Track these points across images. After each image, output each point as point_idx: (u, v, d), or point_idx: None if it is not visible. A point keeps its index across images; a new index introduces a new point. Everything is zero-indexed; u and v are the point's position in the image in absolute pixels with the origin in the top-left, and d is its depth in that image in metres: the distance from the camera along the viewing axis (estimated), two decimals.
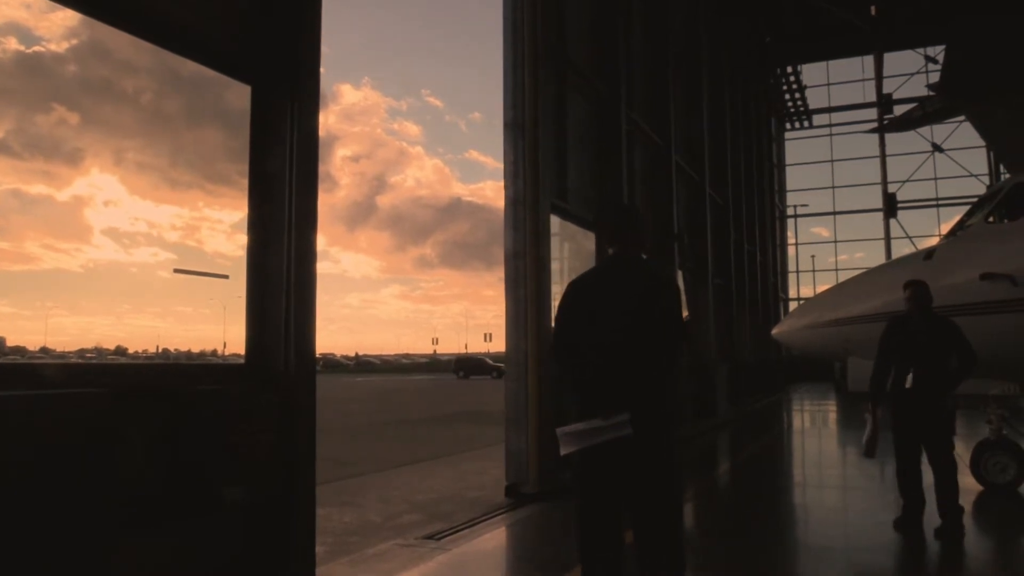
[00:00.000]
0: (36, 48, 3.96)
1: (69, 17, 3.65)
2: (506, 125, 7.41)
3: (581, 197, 9.24)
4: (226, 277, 4.23)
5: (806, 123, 37.05)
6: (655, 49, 13.04)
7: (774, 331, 10.02)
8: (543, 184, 7.33)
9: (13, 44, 3.82)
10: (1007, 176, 14.01)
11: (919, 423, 5.42)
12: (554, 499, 6.58)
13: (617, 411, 2.99)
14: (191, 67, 4.00)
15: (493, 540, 5.49)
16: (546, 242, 7.35)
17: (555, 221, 9.10)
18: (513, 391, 7.10)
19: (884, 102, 27.18)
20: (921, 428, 5.42)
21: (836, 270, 37.05)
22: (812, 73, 34.49)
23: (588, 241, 9.69)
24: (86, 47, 3.96)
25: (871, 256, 36.90)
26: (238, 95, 4.30)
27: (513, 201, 7.26)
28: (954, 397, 5.52)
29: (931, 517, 5.41)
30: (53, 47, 4.02)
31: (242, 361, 4.26)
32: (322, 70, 4.54)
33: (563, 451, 3.10)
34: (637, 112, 11.53)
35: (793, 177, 38.40)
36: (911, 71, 30.86)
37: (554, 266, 9.31)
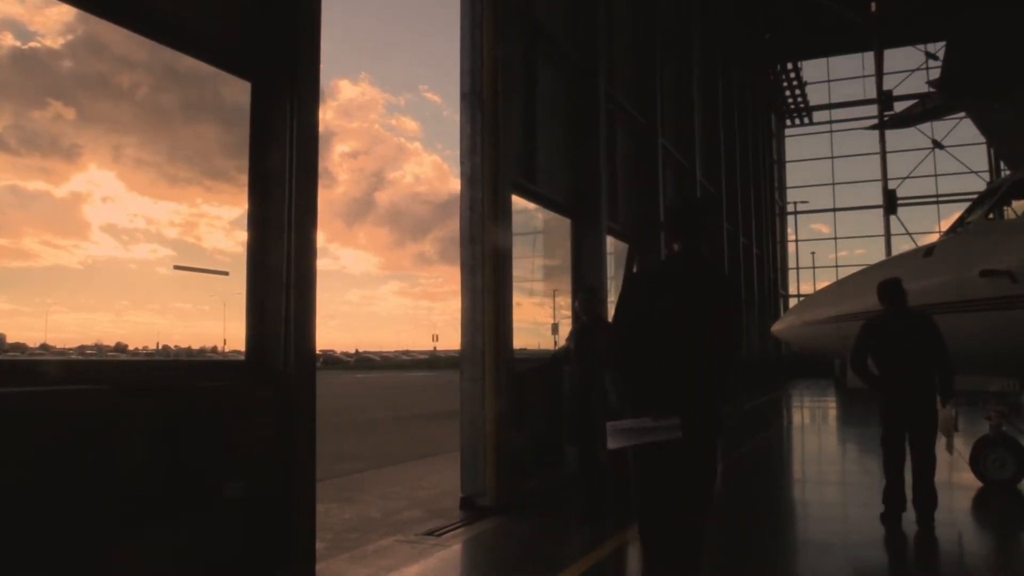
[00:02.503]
0: (32, 44, 3.95)
1: (64, 12, 3.64)
2: (463, 95, 6.59)
3: (553, 178, 8.54)
4: (226, 274, 4.23)
5: (806, 120, 37.04)
6: (642, 29, 12.36)
7: (774, 328, 10.01)
8: (504, 161, 6.59)
9: (9, 40, 3.81)
10: (1007, 173, 14.00)
11: (910, 419, 5.52)
12: (514, 513, 6.04)
13: (668, 413, 2.96)
14: (188, 62, 3.99)
15: (493, 536, 5.49)
16: (506, 225, 6.63)
17: (544, 216, 8.79)
18: (469, 392, 6.39)
19: (884, 99, 27.12)
20: (912, 424, 5.53)
21: (836, 267, 37.14)
22: (812, 70, 34.49)
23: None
24: (82, 43, 3.95)
25: (871, 253, 36.96)
26: (235, 90, 4.29)
27: (470, 179, 6.50)
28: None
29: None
30: (48, 43, 4.01)
31: (242, 358, 4.26)
32: (320, 66, 4.53)
33: (611, 445, 3.10)
34: (620, 91, 10.90)
35: (793, 174, 38.44)
36: (911, 68, 30.83)
37: (539, 261, 9.20)
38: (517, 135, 7.54)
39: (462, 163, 6.57)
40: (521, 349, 8.56)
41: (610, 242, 10.49)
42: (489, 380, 6.27)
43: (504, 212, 6.61)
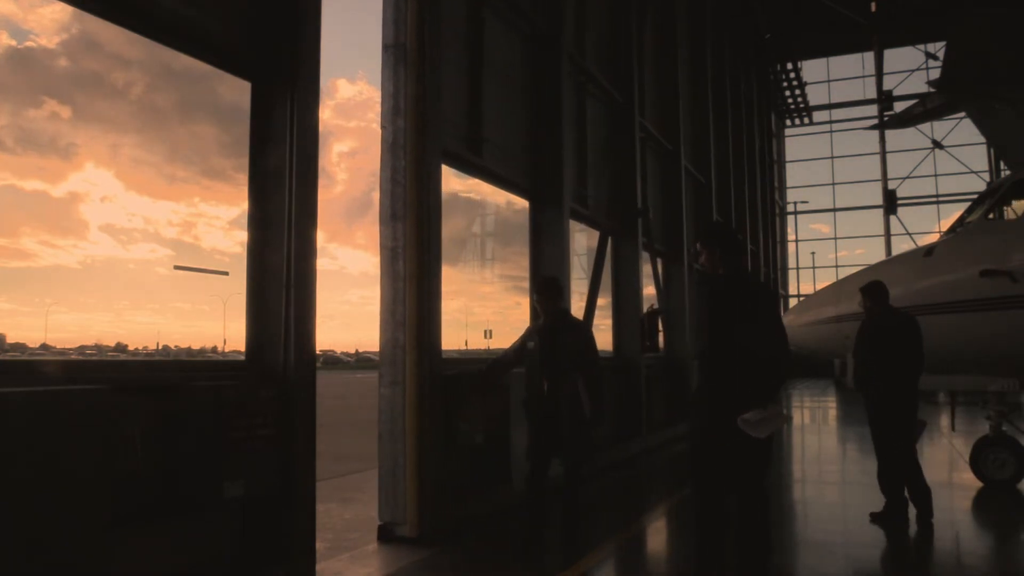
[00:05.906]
0: (27, 43, 3.95)
1: (58, 10, 3.63)
2: (384, 47, 5.64)
3: (506, 152, 7.42)
4: (226, 274, 4.24)
5: (806, 120, 37.05)
6: (620, 9, 11.11)
7: None
8: (433, 126, 5.64)
9: (3, 39, 3.81)
10: (1007, 173, 14.00)
11: (891, 417, 5.63)
12: (442, 545, 5.05)
13: (771, 402, 3.57)
14: (184, 61, 3.99)
15: (494, 535, 5.48)
16: (435, 200, 5.66)
17: (522, 214, 8.25)
18: (388, 398, 5.37)
19: (884, 99, 27.19)
20: (892, 422, 5.64)
21: (836, 267, 37.15)
22: (812, 70, 34.54)
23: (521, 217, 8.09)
24: (78, 41, 3.95)
25: (871, 252, 36.98)
26: (232, 89, 4.29)
27: (392, 145, 5.57)
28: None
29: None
30: (44, 41, 4.01)
31: (242, 358, 4.26)
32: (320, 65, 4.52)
33: (759, 435, 3.54)
34: (591, 62, 9.77)
35: (793, 173, 38.48)
36: (911, 68, 30.86)
37: (523, 261, 8.93)
38: (457, 100, 6.57)
39: (383, 128, 5.65)
40: None
41: (589, 238, 10.19)
42: (411, 385, 5.27)
43: (431, 183, 5.63)
